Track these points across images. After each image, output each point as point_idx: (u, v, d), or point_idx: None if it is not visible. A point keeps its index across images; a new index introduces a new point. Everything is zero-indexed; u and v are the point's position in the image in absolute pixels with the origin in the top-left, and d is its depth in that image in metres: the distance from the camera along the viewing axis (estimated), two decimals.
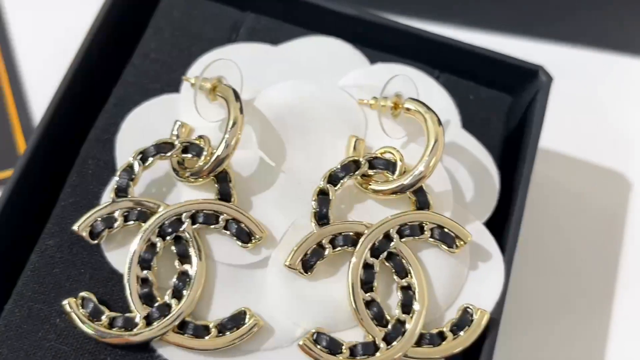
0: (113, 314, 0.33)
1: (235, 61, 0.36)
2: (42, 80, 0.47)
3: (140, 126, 0.37)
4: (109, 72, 0.39)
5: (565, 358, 0.44)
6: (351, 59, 0.39)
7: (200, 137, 0.35)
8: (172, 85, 0.38)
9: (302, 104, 0.36)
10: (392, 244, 0.34)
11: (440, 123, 0.34)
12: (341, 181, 0.34)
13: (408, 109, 0.35)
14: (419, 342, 0.33)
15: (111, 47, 0.40)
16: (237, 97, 0.34)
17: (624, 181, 0.48)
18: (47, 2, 0.50)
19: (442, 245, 0.34)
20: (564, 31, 0.52)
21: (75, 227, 0.33)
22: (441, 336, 0.34)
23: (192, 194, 0.35)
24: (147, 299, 0.33)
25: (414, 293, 0.34)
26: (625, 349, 0.44)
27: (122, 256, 0.34)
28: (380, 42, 0.41)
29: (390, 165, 0.35)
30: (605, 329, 0.44)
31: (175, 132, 0.36)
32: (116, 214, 0.34)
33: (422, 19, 0.52)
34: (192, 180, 0.34)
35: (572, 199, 0.48)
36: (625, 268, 0.46)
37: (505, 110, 0.40)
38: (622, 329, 0.44)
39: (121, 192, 0.34)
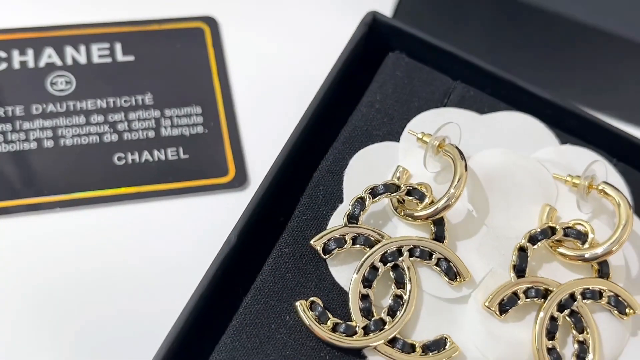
0: (336, 320, 0.39)
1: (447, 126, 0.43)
2: (254, 110, 0.54)
3: (365, 164, 0.43)
4: (340, 115, 0.45)
5: None
6: (543, 137, 0.45)
7: (422, 184, 0.41)
8: (392, 135, 0.44)
9: (508, 169, 0.42)
10: (576, 303, 0.40)
11: (631, 206, 0.40)
12: (538, 242, 0.40)
13: (603, 191, 0.41)
14: None
15: (343, 94, 0.46)
16: (462, 156, 0.40)
17: None
18: (264, 53, 0.57)
19: (614, 311, 0.40)
20: None
21: (312, 242, 0.39)
22: None
23: (408, 231, 0.41)
24: (366, 312, 0.39)
25: (588, 347, 0.39)
26: None
27: (343, 272, 0.40)
28: (566, 124, 0.47)
29: (581, 236, 0.41)
30: None
31: (397, 175, 0.42)
32: (347, 237, 0.40)
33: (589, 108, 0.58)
34: (410, 219, 0.41)
35: None
36: None
37: None
38: None
39: (352, 219, 0.40)
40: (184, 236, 0.49)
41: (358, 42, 0.47)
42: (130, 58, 0.54)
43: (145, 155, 0.51)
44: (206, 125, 0.52)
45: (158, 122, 0.52)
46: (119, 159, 0.50)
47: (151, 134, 0.52)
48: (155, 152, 0.51)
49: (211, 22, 0.56)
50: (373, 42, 0.48)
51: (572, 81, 0.58)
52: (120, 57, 0.54)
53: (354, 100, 0.46)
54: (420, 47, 0.47)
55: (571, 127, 0.47)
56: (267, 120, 0.51)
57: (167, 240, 0.49)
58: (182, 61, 0.54)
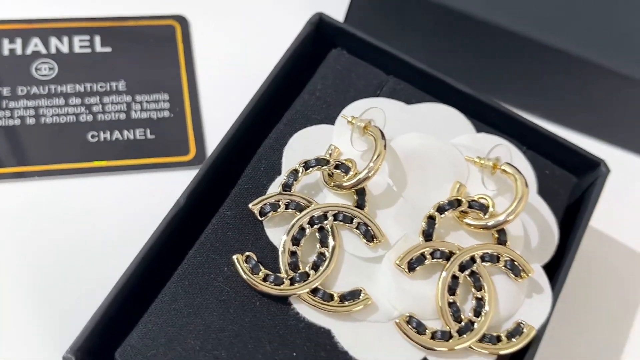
0: (267, 272, 0.45)
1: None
2: (216, 101, 0.60)
3: (302, 142, 0.49)
4: (284, 100, 0.52)
5: None
6: (462, 126, 0.52)
7: (349, 159, 0.48)
8: (329, 119, 0.51)
9: (425, 150, 0.49)
10: (475, 265, 0.46)
11: (527, 185, 0.47)
12: (446, 212, 0.47)
13: (504, 170, 0.47)
14: (481, 339, 0.45)
15: (288, 81, 0.53)
16: (383, 136, 0.47)
17: None
18: (229, 50, 0.64)
19: (510, 274, 0.46)
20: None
21: (250, 205, 0.46)
22: (498, 339, 0.45)
23: (335, 199, 0.47)
24: (293, 266, 0.45)
25: (484, 303, 0.45)
26: None
27: (277, 233, 0.46)
28: (486, 117, 0.53)
29: (483, 208, 0.47)
30: None
31: (329, 152, 0.48)
32: (280, 202, 0.46)
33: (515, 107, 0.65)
34: (337, 189, 0.47)
35: (612, 279, 0.59)
36: None
37: (570, 187, 0.52)
38: None
39: (286, 187, 0.47)
40: (147, 205, 0.55)
41: (304, 39, 0.53)
42: (108, 49, 0.60)
43: (116, 134, 0.57)
44: (172, 110, 0.59)
45: (129, 106, 0.59)
46: (92, 136, 0.57)
47: (122, 116, 0.58)
48: (125, 132, 0.57)
49: (182, 20, 0.63)
50: (319, 40, 0.55)
51: (500, 85, 0.65)
52: (98, 48, 0.60)
53: (299, 90, 0.53)
54: (359, 45, 0.54)
55: (490, 119, 0.53)
56: (226, 107, 0.57)
57: (133, 208, 0.55)
58: (154, 54, 0.61)
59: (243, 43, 0.63)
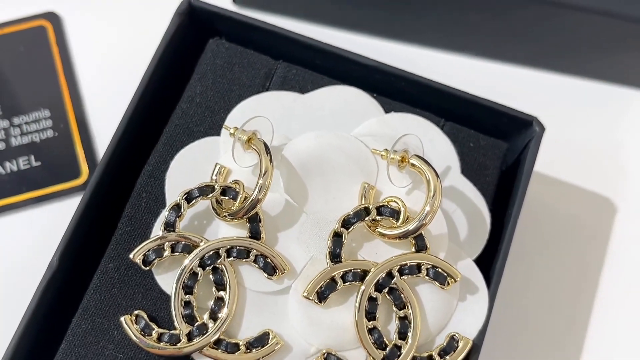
0: (161, 330, 0.40)
1: (268, 110, 0.43)
2: (105, 107, 0.54)
3: (186, 164, 0.43)
4: (161, 113, 0.45)
5: None
6: (367, 108, 0.45)
7: (236, 181, 0.42)
8: (214, 128, 0.44)
9: (323, 152, 0.43)
10: (394, 280, 0.40)
11: (438, 177, 0.40)
12: (353, 225, 0.41)
13: (413, 165, 0.41)
14: None
15: (163, 90, 0.46)
16: (267, 150, 0.40)
17: (610, 205, 0.54)
18: (110, 47, 0.56)
19: (435, 283, 0.41)
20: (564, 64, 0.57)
21: (131, 256, 0.40)
22: (430, 359, 0.40)
23: (228, 231, 0.41)
24: (189, 318, 0.40)
25: (410, 323, 0.40)
26: None
27: (169, 280, 0.41)
28: (394, 90, 0.46)
29: (394, 214, 0.41)
30: (580, 348, 0.50)
31: (214, 176, 0.42)
32: (165, 246, 0.41)
33: (436, 49, 0.58)
34: (229, 219, 0.41)
35: (563, 220, 0.54)
36: (605, 290, 0.52)
37: (501, 156, 0.46)
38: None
39: (169, 226, 0.41)
40: (44, 245, 0.49)
41: (174, 34, 0.46)
42: None
43: None
44: (56, 128, 0.53)
45: (7, 132, 0.52)
46: None
47: (1, 145, 0.52)
48: (7, 164, 0.51)
49: (53, 17, 0.56)
50: (196, 30, 0.48)
51: (421, 29, 0.57)
52: None
53: (176, 98, 0.46)
54: (240, 29, 0.47)
55: (401, 90, 0.46)
56: (115, 112, 0.50)
57: (25, 258, 0.50)
58: (26, 64, 0.54)
59: (125, 32, 0.56)
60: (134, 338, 0.40)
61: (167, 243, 0.41)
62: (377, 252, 0.42)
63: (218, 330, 0.40)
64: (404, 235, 0.41)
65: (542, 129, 0.45)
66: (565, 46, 0.56)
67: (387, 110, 0.46)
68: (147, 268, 0.40)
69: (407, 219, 0.41)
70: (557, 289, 0.52)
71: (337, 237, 0.41)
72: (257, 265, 0.41)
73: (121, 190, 0.44)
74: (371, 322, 0.40)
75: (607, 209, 0.54)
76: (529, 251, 0.52)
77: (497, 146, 0.46)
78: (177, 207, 0.41)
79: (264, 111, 0.43)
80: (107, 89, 0.54)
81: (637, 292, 0.52)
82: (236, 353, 0.40)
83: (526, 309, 0.51)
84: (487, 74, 0.57)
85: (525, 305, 0.51)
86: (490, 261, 0.44)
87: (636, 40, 0.53)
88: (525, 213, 0.51)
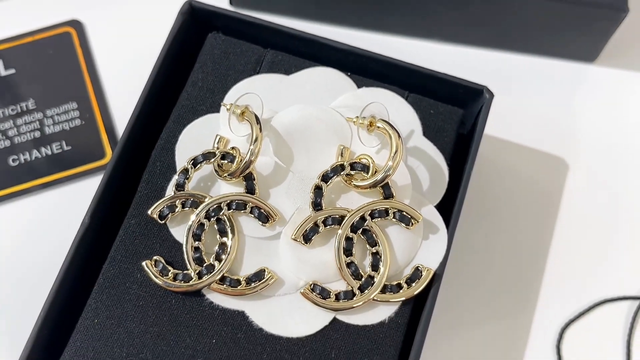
0: (176, 271, 0.48)
1: (258, 90, 0.51)
2: (123, 98, 0.63)
3: (192, 138, 0.52)
4: (170, 96, 0.54)
5: (492, 309, 0.58)
6: (343, 85, 0.54)
7: (233, 148, 0.50)
8: (214, 107, 0.53)
9: (305, 122, 0.51)
10: (366, 223, 0.48)
11: (400, 137, 0.49)
12: (331, 179, 0.49)
13: (379, 127, 0.50)
14: (383, 290, 0.48)
15: (171, 77, 0.55)
16: (257, 120, 0.49)
17: (561, 164, 0.62)
18: (125, 47, 0.66)
19: (402, 224, 0.49)
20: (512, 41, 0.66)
21: (149, 212, 0.49)
22: (399, 286, 0.48)
23: (228, 188, 0.50)
24: (198, 261, 0.48)
25: (381, 257, 0.49)
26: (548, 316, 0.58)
27: (181, 230, 0.49)
28: (366, 69, 0.55)
29: (365, 168, 0.49)
30: (531, 295, 0.58)
31: (216, 144, 0.51)
32: (176, 203, 0.49)
33: (403, 36, 0.66)
34: (228, 178, 0.50)
35: (515, 179, 0.61)
36: (557, 242, 0.60)
37: (457, 120, 0.54)
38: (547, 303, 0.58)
39: (180, 187, 0.49)
40: (78, 212, 0.58)
41: (178, 31, 0.55)
42: (12, 71, 0.63)
43: (35, 153, 0.60)
44: (82, 118, 0.62)
45: (42, 123, 0.61)
46: (14, 160, 0.60)
47: (37, 134, 0.61)
48: (43, 149, 0.60)
49: (76, 24, 0.65)
50: (199, 27, 0.56)
51: (393, 17, 0.66)
52: (3, 72, 0.63)
53: (182, 83, 0.55)
54: (234, 24, 0.55)
55: (372, 70, 0.55)
56: (134, 103, 0.59)
57: (63, 223, 0.59)
58: (56, 65, 0.63)
59: (136, 32, 0.65)
60: (154, 278, 0.48)
61: (178, 200, 0.49)
62: (352, 201, 0.50)
63: (223, 268, 0.48)
64: (373, 185, 0.49)
65: (492, 95, 0.53)
66: (521, 28, 0.64)
67: (359, 86, 0.54)
68: (163, 222, 0.49)
69: (376, 172, 0.49)
70: (512, 232, 0.60)
71: (318, 189, 0.49)
72: (253, 215, 0.49)
73: (139, 161, 0.52)
74: (348, 257, 0.48)
75: (559, 167, 0.62)
76: (485, 204, 0.60)
77: (454, 112, 0.54)
78: (185, 171, 0.49)
79: (256, 90, 0.52)
80: (124, 82, 0.63)
81: (584, 238, 0.60)
82: (238, 287, 0.48)
83: (483, 249, 0.59)
84: (450, 55, 0.65)
85: (482, 246, 0.59)
86: (450, 208, 0.52)
87: (579, 19, 0.61)
88: (484, 172, 0.59)
